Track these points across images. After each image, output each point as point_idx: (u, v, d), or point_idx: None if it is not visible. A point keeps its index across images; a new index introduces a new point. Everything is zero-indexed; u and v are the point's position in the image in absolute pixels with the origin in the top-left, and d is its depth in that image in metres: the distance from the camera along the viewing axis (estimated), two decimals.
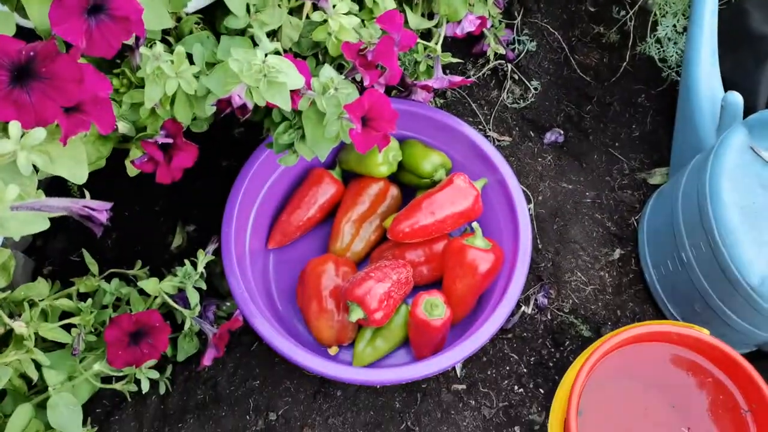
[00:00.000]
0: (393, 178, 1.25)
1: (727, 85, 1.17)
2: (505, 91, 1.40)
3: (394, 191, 1.23)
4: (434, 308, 1.07)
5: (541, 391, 1.18)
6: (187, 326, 1.02)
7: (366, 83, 0.91)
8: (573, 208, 1.32)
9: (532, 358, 1.21)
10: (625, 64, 1.41)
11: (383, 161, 1.18)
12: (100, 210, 0.61)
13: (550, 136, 1.37)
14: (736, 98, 1.08)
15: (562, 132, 1.38)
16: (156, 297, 1.03)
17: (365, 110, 0.86)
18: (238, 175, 1.15)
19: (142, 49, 0.79)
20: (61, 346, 0.97)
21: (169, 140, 0.83)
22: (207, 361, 1.01)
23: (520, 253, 1.10)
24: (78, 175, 0.74)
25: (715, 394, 1.00)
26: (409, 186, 1.24)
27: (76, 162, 0.74)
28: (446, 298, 1.09)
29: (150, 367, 0.98)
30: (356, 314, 1.07)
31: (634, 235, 1.29)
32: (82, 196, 0.75)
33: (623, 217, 1.31)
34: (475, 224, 1.12)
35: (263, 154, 1.16)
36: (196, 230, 1.27)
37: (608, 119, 1.39)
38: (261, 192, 1.19)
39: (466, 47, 1.42)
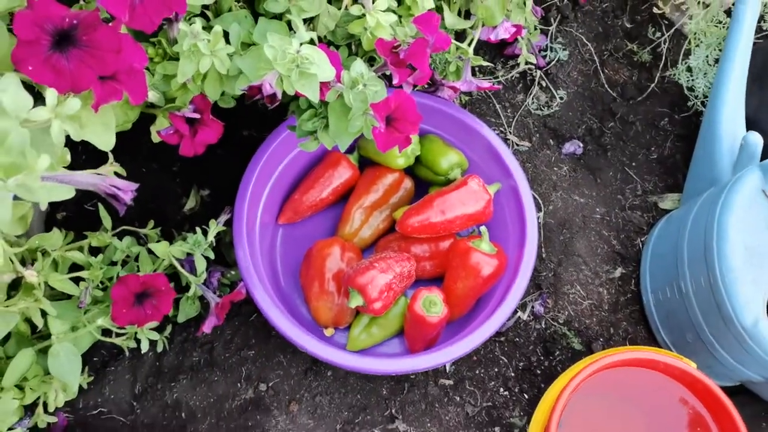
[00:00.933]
0: (408, 171, 1.26)
1: (750, 123, 1.17)
2: (531, 96, 1.41)
3: (407, 183, 1.24)
4: (432, 305, 1.09)
5: (526, 396, 1.21)
6: (192, 291, 1.04)
7: (395, 81, 0.92)
8: (581, 222, 1.33)
9: (521, 363, 1.24)
10: (653, 85, 1.41)
11: (401, 154, 1.20)
12: (126, 190, 0.63)
13: (569, 147, 1.38)
14: (756, 139, 1.08)
15: (581, 144, 1.38)
16: (164, 259, 1.05)
17: (390, 110, 0.87)
18: (257, 151, 1.17)
19: (181, 25, 0.80)
20: (68, 296, 0.99)
21: (197, 115, 0.84)
22: (207, 328, 1.04)
23: (524, 262, 1.12)
24: (106, 141, 0.76)
25: (693, 425, 1.03)
26: (423, 180, 1.25)
27: (105, 128, 0.76)
28: (445, 297, 1.12)
29: (151, 329, 1.01)
30: (356, 301, 1.10)
31: (638, 257, 1.31)
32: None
33: (629, 237, 1.33)
34: (483, 228, 1.14)
35: (283, 133, 1.18)
36: (210, 195, 1.29)
37: (629, 138, 1.39)
38: (277, 169, 1.21)
39: (497, 47, 1.42)
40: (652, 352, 1.00)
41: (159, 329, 1.12)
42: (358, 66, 0.89)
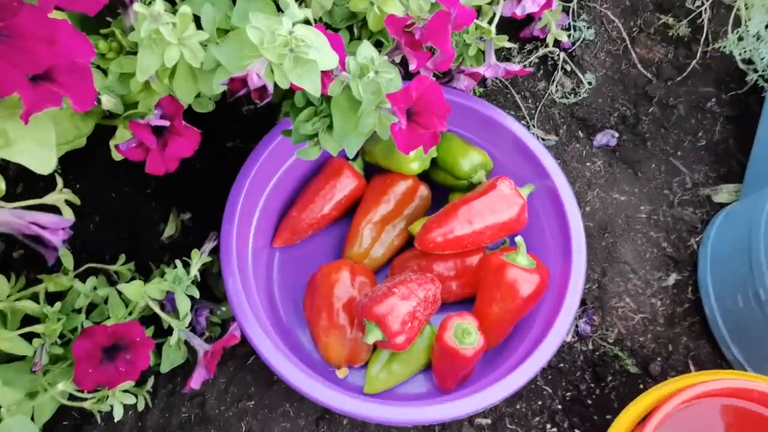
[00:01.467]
0: (423, 177, 1.08)
1: None
2: (554, 83, 1.23)
3: (423, 191, 1.06)
4: (466, 335, 0.91)
5: None
6: (174, 337, 0.85)
7: (412, 67, 0.74)
8: (625, 224, 1.15)
9: (569, 393, 1.06)
10: (694, 62, 1.23)
11: (415, 157, 1.02)
12: (55, 229, 0.45)
13: (601, 138, 1.21)
14: None
15: (615, 134, 1.21)
16: (139, 302, 0.87)
17: (412, 101, 0.69)
18: (245, 163, 0.98)
19: (137, 6, 0.62)
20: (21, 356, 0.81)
21: (165, 122, 0.66)
22: (195, 383, 0.85)
23: (573, 278, 0.94)
24: (44, 162, 0.57)
25: None
26: (441, 186, 1.07)
27: (41, 146, 0.57)
28: (479, 323, 0.93)
29: (125, 390, 0.82)
30: (374, 335, 0.91)
31: (694, 260, 1.13)
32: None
33: (682, 237, 1.15)
34: (519, 239, 0.95)
35: (275, 140, 0.99)
36: (192, 219, 1.11)
37: (670, 124, 1.22)
38: (269, 183, 1.03)
39: (511, 30, 1.24)
40: (744, 379, 0.82)
41: (139, 383, 0.94)
42: (366, 49, 0.70)
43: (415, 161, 1.02)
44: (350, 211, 1.07)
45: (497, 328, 0.97)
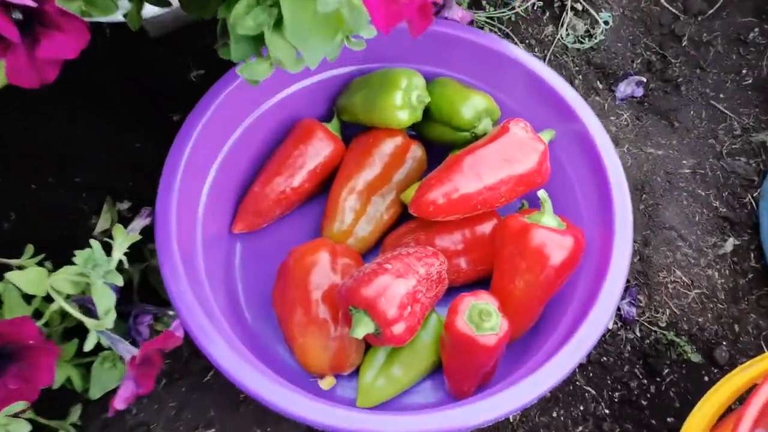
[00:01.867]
0: (416, 135, 0.87)
1: None
2: (564, 26, 1.03)
3: (417, 151, 0.85)
4: (485, 318, 0.69)
5: None
6: (90, 341, 0.63)
7: None
8: (665, 182, 0.94)
9: (617, 394, 0.83)
10: None
11: (403, 103, 0.81)
12: None
13: (624, 89, 1.00)
14: None
15: (643, 79, 1.00)
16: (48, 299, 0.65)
17: None
18: (185, 122, 0.78)
19: None
20: None
21: (31, 2, 0.45)
22: (119, 403, 0.62)
23: (617, 242, 0.73)
24: None
25: None
26: (437, 145, 0.86)
27: None
28: (499, 303, 0.71)
29: (27, 417, 0.59)
30: (364, 327, 0.69)
31: (753, 219, 0.92)
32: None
33: (736, 194, 0.94)
34: (542, 193, 0.74)
35: (230, 85, 0.79)
36: (132, 209, 0.89)
37: (707, 63, 1.02)
38: (221, 151, 0.82)
39: None
40: None
41: (61, 412, 0.71)
42: None
43: (404, 108, 0.81)
44: (327, 185, 0.86)
45: (523, 310, 0.75)
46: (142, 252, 0.84)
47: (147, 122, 0.92)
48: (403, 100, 0.80)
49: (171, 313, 0.79)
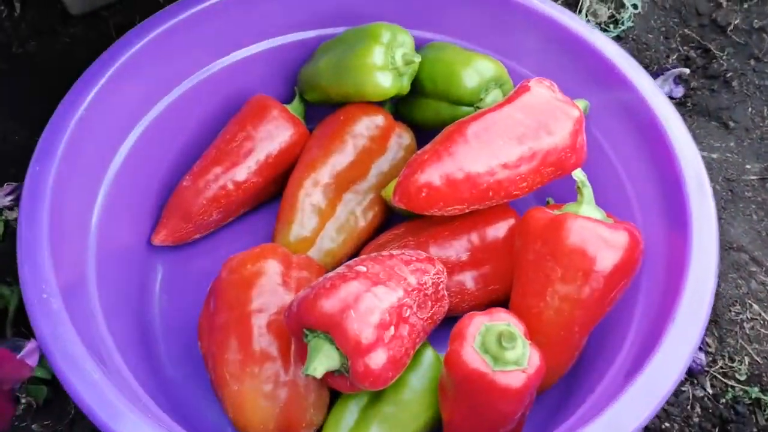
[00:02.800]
0: (401, 119, 0.66)
1: None
2: (584, 11, 0.85)
3: (403, 136, 0.64)
4: (506, 345, 0.45)
5: None
6: None
7: None
8: (726, 191, 0.73)
9: None
10: None
11: (384, 62, 0.60)
12: None
13: (661, 87, 0.81)
14: None
15: (681, 77, 0.81)
16: None
17: None
18: (78, 81, 0.56)
19: None
20: None
21: None
22: None
23: (695, 246, 0.50)
24: None
25: None
26: (430, 129, 0.64)
27: None
28: (527, 330, 0.48)
29: None
30: (324, 359, 0.46)
31: None
32: None
33: None
34: (579, 173, 0.52)
35: (133, 46, 0.58)
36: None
37: (763, 53, 0.83)
38: (130, 132, 0.60)
39: None
40: None
41: None
42: None
43: (385, 71, 0.60)
44: (284, 179, 0.64)
45: (557, 341, 0.52)
46: None
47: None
48: (385, 59, 0.60)
49: None
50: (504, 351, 0.46)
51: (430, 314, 0.51)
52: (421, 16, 0.65)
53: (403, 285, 0.48)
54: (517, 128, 0.54)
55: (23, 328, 0.60)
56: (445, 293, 0.53)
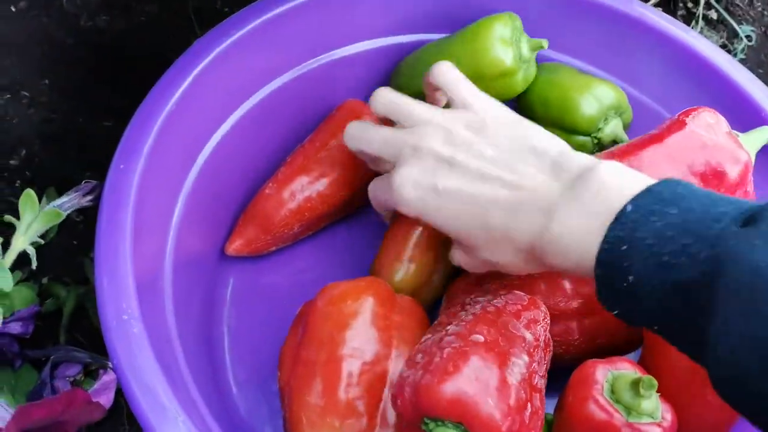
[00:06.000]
0: None
1: None
2: None
3: None
4: (644, 394, 0.41)
5: None
6: None
7: None
8: None
9: None
10: None
11: (510, 38, 0.55)
12: None
13: None
14: None
15: None
16: None
17: None
18: (167, 72, 0.51)
19: None
20: None
21: None
22: None
23: None
24: None
25: None
26: None
27: None
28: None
29: None
30: None
31: None
32: None
33: None
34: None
35: (223, 41, 0.52)
36: (86, 212, 0.61)
37: None
38: (222, 125, 0.54)
39: None
40: None
41: None
42: None
43: (508, 47, 0.54)
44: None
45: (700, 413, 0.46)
46: (83, 268, 0.56)
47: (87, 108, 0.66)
48: (512, 36, 0.55)
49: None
50: (640, 400, 0.41)
51: (545, 369, 0.46)
52: (536, 27, 0.59)
53: (525, 347, 0.43)
54: (675, 162, 0.48)
55: (77, 335, 0.55)
56: (550, 340, 0.48)
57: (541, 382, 0.43)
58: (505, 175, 0.44)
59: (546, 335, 0.46)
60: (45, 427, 0.35)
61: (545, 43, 0.55)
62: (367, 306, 0.48)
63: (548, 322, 0.48)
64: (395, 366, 0.46)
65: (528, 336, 0.44)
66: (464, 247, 0.47)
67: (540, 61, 0.60)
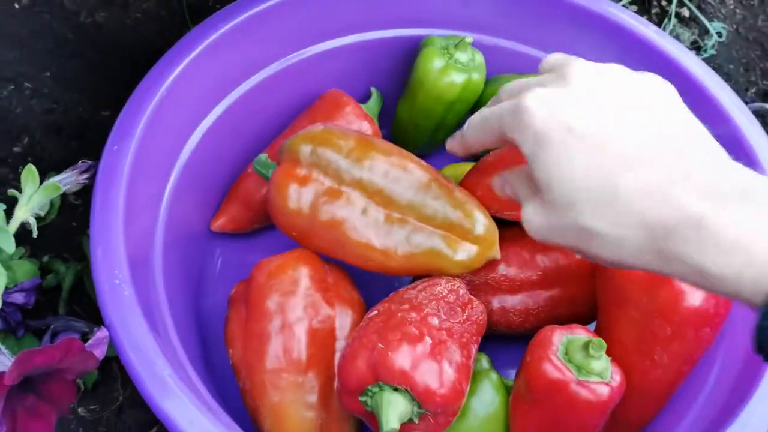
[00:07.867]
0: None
1: None
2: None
3: None
4: (593, 354, 0.44)
5: None
6: None
7: None
8: None
9: None
10: None
11: (445, 63, 0.58)
12: None
13: None
14: None
15: (759, 111, 0.79)
16: None
17: None
18: (161, 59, 0.55)
19: None
20: None
21: None
22: None
23: None
24: None
25: None
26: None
27: None
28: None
29: None
30: (396, 409, 0.44)
31: None
32: None
33: None
34: None
35: (212, 33, 0.56)
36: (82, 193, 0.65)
37: None
38: (213, 110, 0.58)
39: None
40: None
41: None
42: None
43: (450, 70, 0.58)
44: None
45: (662, 394, 0.50)
46: (81, 247, 0.60)
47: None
48: (446, 62, 0.60)
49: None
50: (590, 360, 0.45)
51: (465, 317, 0.49)
52: (518, 27, 0.63)
53: (438, 315, 0.47)
54: None
55: (76, 307, 0.58)
56: (472, 297, 0.52)
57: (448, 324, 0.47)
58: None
59: (456, 294, 0.51)
60: (45, 374, 0.39)
61: (469, 38, 0.60)
62: (305, 273, 0.51)
63: (456, 284, 0.52)
64: (340, 321, 0.51)
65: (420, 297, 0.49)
66: (561, 204, 0.35)
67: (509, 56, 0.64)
